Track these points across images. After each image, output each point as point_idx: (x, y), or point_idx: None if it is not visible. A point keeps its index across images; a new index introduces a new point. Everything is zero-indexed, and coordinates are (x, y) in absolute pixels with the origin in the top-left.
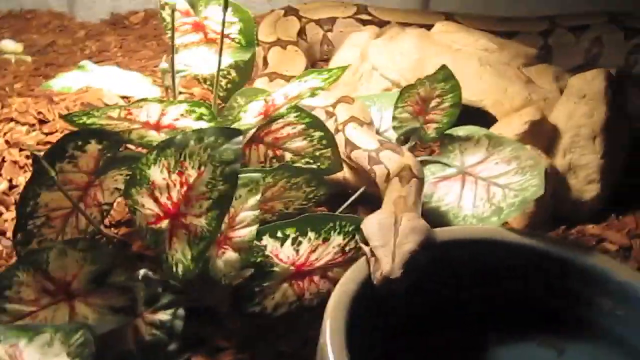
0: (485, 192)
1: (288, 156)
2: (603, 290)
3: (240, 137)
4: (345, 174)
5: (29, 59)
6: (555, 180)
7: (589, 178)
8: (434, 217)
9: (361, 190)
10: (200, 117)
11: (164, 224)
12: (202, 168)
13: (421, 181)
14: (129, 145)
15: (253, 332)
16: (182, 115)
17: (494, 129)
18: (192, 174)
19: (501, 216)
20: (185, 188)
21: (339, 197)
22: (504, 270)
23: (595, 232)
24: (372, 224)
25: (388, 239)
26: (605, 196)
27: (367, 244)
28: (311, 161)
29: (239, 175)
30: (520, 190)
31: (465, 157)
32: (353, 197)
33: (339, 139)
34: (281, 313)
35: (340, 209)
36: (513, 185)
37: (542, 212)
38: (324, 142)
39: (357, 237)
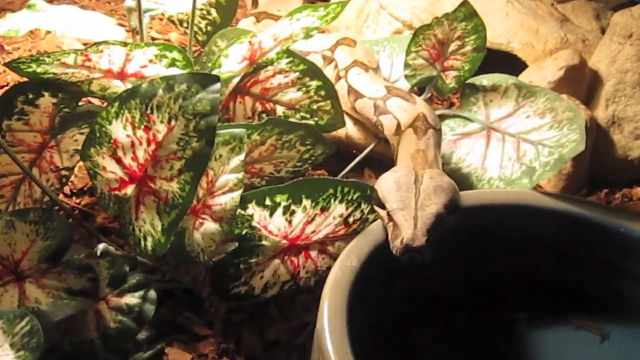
0: (514, 150)
1: (280, 110)
2: None
3: (218, 85)
4: (348, 130)
5: None
6: (596, 135)
7: (636, 132)
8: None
9: (368, 149)
10: (172, 63)
11: (129, 189)
12: (173, 122)
13: (439, 132)
14: (92, 99)
15: (238, 318)
16: (150, 61)
17: (524, 77)
18: (160, 129)
19: (533, 177)
20: (153, 146)
21: (341, 157)
22: (537, 240)
23: None
24: (388, 184)
25: (408, 200)
26: None
27: (383, 207)
28: (307, 116)
29: (219, 132)
30: (556, 147)
31: (491, 110)
32: (358, 158)
33: (340, 88)
34: (272, 295)
35: (343, 173)
36: (547, 141)
37: (581, 172)
38: (322, 93)
39: (366, 201)
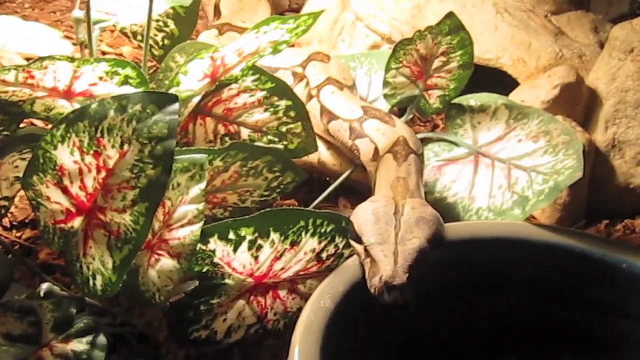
0: (505, 178)
1: (245, 133)
2: None
3: (177, 105)
4: (321, 155)
5: None
6: (595, 161)
7: (639, 158)
8: (437, 212)
9: (344, 177)
10: (125, 81)
11: (77, 222)
12: (126, 147)
13: (421, 157)
14: (35, 121)
15: None
16: (101, 78)
17: (515, 96)
18: (112, 155)
19: (526, 208)
20: (103, 174)
21: (313, 186)
22: (530, 278)
23: None
24: (365, 215)
25: (388, 234)
26: None
27: (359, 241)
28: (276, 139)
29: (178, 158)
30: (552, 174)
31: (479, 133)
32: (332, 187)
33: (313, 109)
34: (236, 340)
35: (315, 203)
36: (542, 168)
37: (578, 202)
38: (292, 114)
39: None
